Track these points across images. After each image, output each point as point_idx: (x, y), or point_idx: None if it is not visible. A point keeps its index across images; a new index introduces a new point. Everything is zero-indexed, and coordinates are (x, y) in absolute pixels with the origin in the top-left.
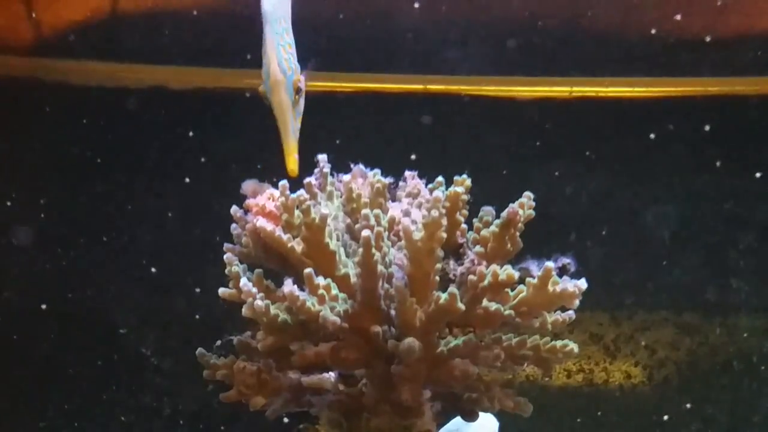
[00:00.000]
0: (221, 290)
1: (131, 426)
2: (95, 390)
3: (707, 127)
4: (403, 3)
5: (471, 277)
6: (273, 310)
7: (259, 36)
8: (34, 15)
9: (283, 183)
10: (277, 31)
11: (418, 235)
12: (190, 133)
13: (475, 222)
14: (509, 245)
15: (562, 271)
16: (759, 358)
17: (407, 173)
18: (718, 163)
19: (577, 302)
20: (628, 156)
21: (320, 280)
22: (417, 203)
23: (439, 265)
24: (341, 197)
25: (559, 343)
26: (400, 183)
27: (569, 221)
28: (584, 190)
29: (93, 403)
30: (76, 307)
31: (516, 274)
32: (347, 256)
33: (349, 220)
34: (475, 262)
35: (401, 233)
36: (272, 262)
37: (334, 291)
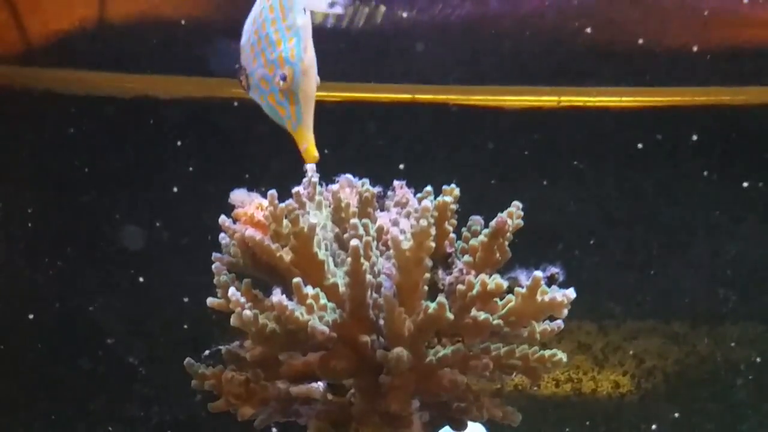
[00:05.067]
0: (209, 300)
1: None
2: (83, 400)
3: (695, 137)
4: (391, 13)
5: (460, 286)
6: (261, 319)
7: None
8: (20, 24)
9: (272, 192)
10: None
11: (406, 244)
12: (178, 143)
13: (464, 231)
14: (498, 255)
15: (550, 281)
16: (747, 368)
17: (396, 183)
18: (705, 173)
19: (565, 312)
20: (616, 166)
21: (309, 290)
22: (405, 213)
23: (427, 275)
24: (330, 207)
25: (547, 353)
26: (389, 192)
27: (558, 231)
28: (572, 200)
29: (80, 413)
30: (64, 316)
31: (505, 284)
32: (336, 265)
33: (337, 230)
34: (464, 271)
35: (390, 243)
36: (261, 272)
37: (323, 300)
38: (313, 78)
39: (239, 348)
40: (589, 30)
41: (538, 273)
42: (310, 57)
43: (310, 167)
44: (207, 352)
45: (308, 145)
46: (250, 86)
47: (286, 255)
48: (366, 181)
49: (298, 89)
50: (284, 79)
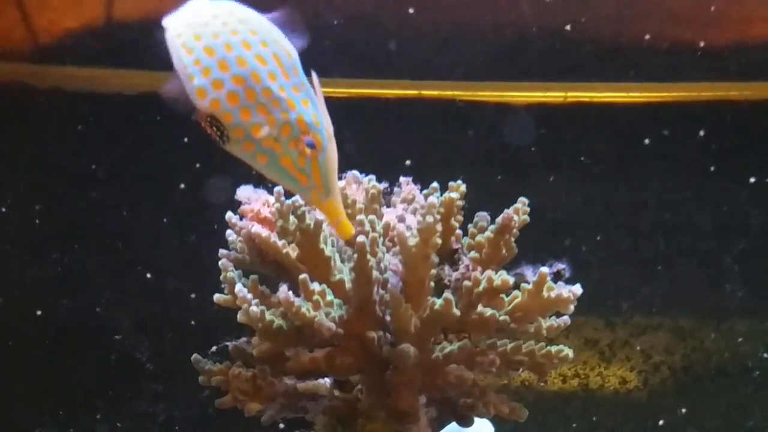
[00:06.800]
0: (216, 296)
1: None
2: (90, 396)
3: (701, 133)
4: (397, 9)
5: (466, 282)
6: (268, 315)
7: None
8: (27, 22)
9: (278, 189)
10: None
11: (413, 240)
12: (185, 139)
13: (470, 227)
14: (504, 251)
15: (557, 277)
16: (754, 363)
17: (402, 179)
18: (712, 168)
19: (572, 308)
20: (622, 161)
21: (315, 286)
22: (412, 209)
23: (434, 271)
24: None
25: (554, 349)
26: (395, 189)
27: (564, 226)
28: (579, 196)
29: (88, 410)
30: (72, 313)
31: (511, 280)
32: (342, 261)
33: None
34: (470, 267)
35: (396, 239)
36: (267, 268)
37: (329, 297)
38: (335, 146)
39: (246, 344)
40: (595, 25)
41: (545, 269)
42: (329, 122)
43: None
44: (214, 348)
45: (342, 219)
46: (232, 140)
47: (293, 251)
48: (372, 177)
49: (324, 158)
50: (312, 146)
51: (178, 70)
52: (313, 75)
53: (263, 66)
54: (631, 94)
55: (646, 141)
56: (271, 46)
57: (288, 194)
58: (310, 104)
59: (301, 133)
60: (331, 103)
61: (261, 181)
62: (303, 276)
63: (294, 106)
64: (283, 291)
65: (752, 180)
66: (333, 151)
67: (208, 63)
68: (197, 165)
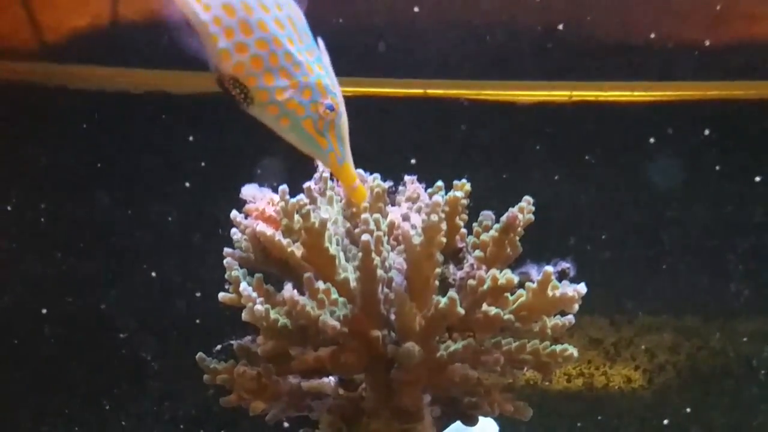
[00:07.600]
0: (221, 295)
1: (131, 430)
2: (95, 394)
3: (706, 131)
4: (402, 7)
5: (471, 281)
6: (273, 314)
7: None
8: (34, 20)
9: (283, 188)
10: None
11: (417, 239)
12: (190, 138)
13: (475, 226)
14: (509, 250)
15: (561, 276)
16: (758, 363)
17: (407, 177)
18: (717, 167)
19: (576, 307)
20: (627, 160)
21: (320, 285)
22: (416, 208)
23: (438, 270)
24: (341, 202)
25: (558, 348)
26: (400, 187)
27: (569, 226)
28: (584, 195)
29: (93, 408)
30: (77, 311)
31: (516, 279)
32: (347, 260)
33: (348, 225)
34: (475, 266)
35: (401, 238)
36: (272, 267)
37: (334, 295)
38: (345, 111)
39: (251, 343)
40: (600, 24)
41: (549, 268)
42: (338, 87)
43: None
44: (218, 347)
45: (357, 184)
46: (256, 103)
47: (297, 250)
48: (377, 176)
49: (341, 122)
50: (332, 109)
51: (196, 26)
52: (320, 41)
53: (281, 30)
54: (635, 93)
55: (651, 140)
56: (285, 9)
57: (292, 193)
58: (323, 69)
59: (320, 95)
60: None
61: (265, 180)
62: (308, 274)
63: (312, 71)
64: (288, 289)
65: (757, 179)
66: (345, 116)
67: (229, 23)
68: (202, 164)
